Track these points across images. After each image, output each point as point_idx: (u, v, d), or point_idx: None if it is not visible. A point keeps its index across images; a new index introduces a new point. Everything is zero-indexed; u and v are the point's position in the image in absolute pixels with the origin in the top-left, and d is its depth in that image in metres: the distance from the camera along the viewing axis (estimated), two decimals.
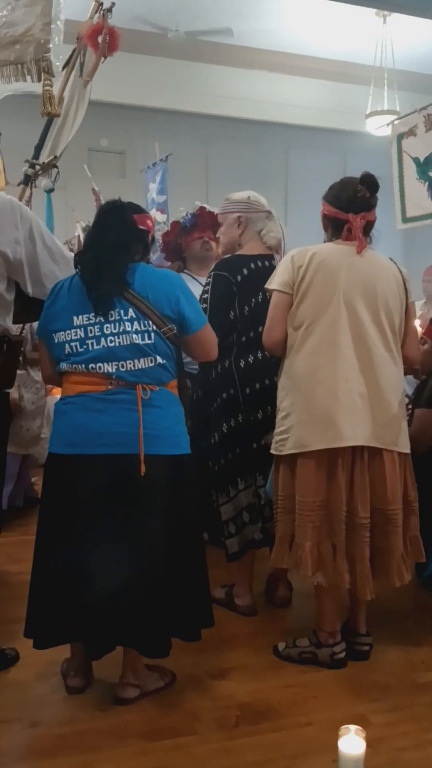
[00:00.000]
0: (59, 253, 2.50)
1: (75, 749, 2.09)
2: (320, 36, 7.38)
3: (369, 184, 2.54)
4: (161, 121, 7.67)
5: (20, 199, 3.21)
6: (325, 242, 2.65)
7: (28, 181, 3.26)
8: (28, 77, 2.86)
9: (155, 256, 4.54)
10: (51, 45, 2.86)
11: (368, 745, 1.89)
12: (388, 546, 2.48)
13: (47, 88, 2.87)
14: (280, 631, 2.80)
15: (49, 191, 3.36)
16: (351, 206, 2.53)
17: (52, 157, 3.27)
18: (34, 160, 3.26)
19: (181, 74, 7.63)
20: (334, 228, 2.59)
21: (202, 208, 3.74)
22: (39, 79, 2.85)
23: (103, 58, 3.18)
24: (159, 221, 5.21)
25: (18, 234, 2.36)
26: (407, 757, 2.06)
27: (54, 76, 2.90)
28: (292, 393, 2.53)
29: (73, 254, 2.57)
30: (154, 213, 5.47)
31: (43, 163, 3.26)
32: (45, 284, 2.45)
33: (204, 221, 3.69)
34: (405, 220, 4.24)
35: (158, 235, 4.89)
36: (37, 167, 3.24)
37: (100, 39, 3.13)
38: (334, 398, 2.44)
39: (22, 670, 2.52)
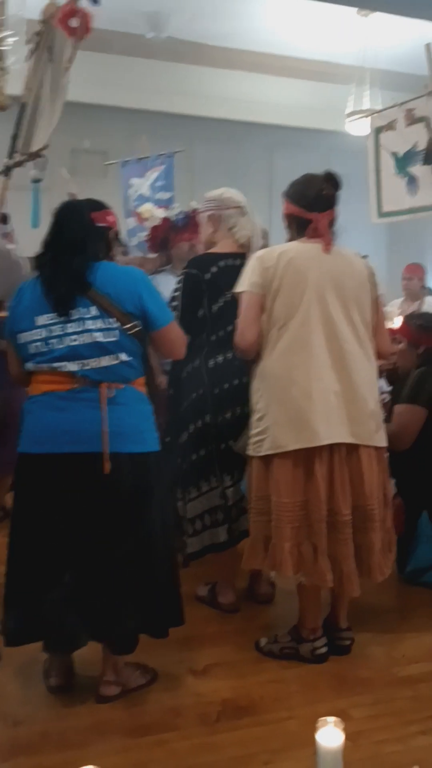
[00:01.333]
0: None
1: (57, 747, 2.09)
2: (302, 36, 7.39)
3: (333, 182, 2.57)
4: (144, 122, 7.64)
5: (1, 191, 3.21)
6: (287, 240, 2.65)
7: (7, 172, 3.24)
8: None
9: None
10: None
11: (349, 739, 1.89)
12: (367, 543, 2.49)
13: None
14: (262, 628, 2.81)
15: (36, 181, 3.33)
16: (316, 205, 2.54)
17: (41, 146, 3.23)
18: (14, 152, 3.24)
19: (163, 75, 7.62)
20: (299, 226, 2.59)
21: (195, 211, 3.73)
22: None
23: (78, 41, 3.14)
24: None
25: None
26: (388, 750, 2.08)
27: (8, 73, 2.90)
28: (267, 394, 2.53)
29: (11, 247, 2.57)
30: (150, 208, 5.39)
31: (31, 153, 3.23)
32: None
33: (195, 224, 3.68)
34: (381, 214, 4.23)
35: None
36: (16, 156, 3.21)
37: (72, 23, 3.10)
38: (308, 398, 2.45)
39: (4, 670, 2.52)
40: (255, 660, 2.60)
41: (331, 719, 1.79)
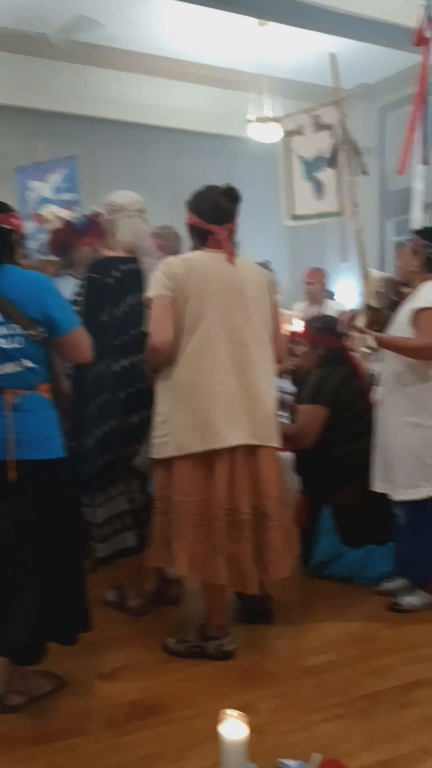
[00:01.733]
0: None
1: None
2: (204, 43, 7.48)
3: (231, 196, 2.65)
4: (46, 124, 7.54)
5: None
6: (191, 249, 2.72)
7: None
8: None
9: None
10: None
11: (255, 731, 1.94)
12: (265, 541, 2.57)
13: None
14: (171, 629, 2.82)
15: None
16: (215, 218, 2.62)
17: None
18: None
19: (67, 77, 7.53)
20: (200, 237, 2.66)
21: (97, 215, 3.70)
22: None
23: None
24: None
25: None
26: (292, 739, 2.13)
27: None
28: (172, 397, 2.57)
29: None
30: (55, 210, 5.31)
31: None
32: None
33: (96, 227, 3.66)
34: (295, 217, 4.29)
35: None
36: None
37: None
38: (211, 402, 2.52)
39: None
40: (163, 661, 2.62)
41: (234, 713, 1.84)
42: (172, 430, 2.54)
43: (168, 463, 2.56)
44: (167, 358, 2.58)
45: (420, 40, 3.92)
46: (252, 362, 2.59)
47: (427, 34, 3.88)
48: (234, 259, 2.62)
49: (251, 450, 2.57)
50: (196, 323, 2.54)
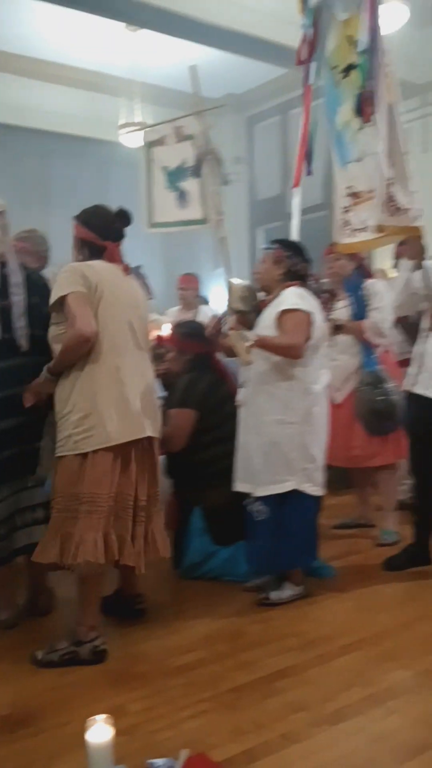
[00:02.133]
0: None
1: None
2: (75, 46, 7.42)
3: (124, 218, 2.87)
4: None
5: None
6: (80, 260, 2.83)
7: None
8: None
9: None
10: None
11: (125, 733, 1.97)
12: (154, 524, 2.81)
13: None
14: (41, 639, 2.78)
15: None
16: (109, 235, 2.82)
17: None
18: None
19: None
20: (91, 251, 2.82)
21: None
22: None
23: None
24: None
25: None
26: (161, 737, 2.17)
27: None
28: (94, 393, 2.66)
29: None
30: None
31: None
32: None
33: None
34: (153, 224, 4.39)
35: None
36: None
37: None
38: (133, 396, 2.72)
39: None
40: (33, 672, 2.60)
41: (100, 717, 1.86)
42: (96, 424, 2.63)
43: (79, 460, 2.64)
44: (90, 349, 2.66)
45: (300, 61, 4.08)
46: (146, 365, 2.87)
47: (302, 55, 4.03)
48: (129, 272, 2.86)
49: (151, 442, 2.81)
50: (107, 325, 2.69)
